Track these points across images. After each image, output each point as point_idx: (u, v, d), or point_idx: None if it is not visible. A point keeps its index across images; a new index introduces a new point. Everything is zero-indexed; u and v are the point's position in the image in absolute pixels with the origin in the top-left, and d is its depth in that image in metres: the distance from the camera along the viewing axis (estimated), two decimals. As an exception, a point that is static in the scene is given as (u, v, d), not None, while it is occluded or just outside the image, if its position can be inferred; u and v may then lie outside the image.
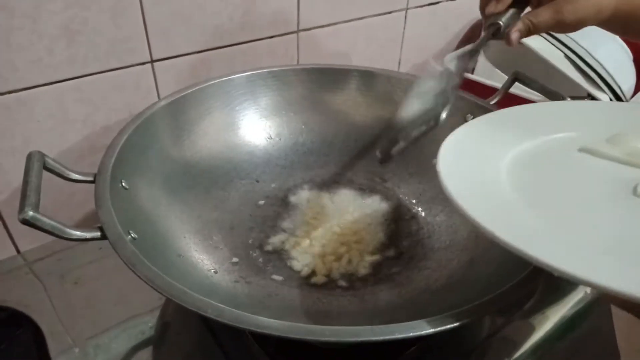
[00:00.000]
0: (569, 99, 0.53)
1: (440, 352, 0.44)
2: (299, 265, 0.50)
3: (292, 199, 0.57)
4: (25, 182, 0.36)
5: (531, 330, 0.46)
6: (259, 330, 0.29)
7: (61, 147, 0.55)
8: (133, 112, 0.49)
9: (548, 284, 0.49)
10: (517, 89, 0.60)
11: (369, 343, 0.28)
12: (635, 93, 0.80)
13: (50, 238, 0.55)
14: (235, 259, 0.49)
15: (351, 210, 0.55)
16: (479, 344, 0.44)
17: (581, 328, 0.48)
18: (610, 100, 0.76)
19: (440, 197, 0.56)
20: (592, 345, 0.48)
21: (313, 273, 0.49)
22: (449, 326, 0.31)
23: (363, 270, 0.50)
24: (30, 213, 0.33)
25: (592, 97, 0.74)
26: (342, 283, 0.48)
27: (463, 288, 0.44)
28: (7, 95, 0.49)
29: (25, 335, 0.46)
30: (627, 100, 0.77)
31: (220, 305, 0.30)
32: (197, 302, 0.30)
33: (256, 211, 0.56)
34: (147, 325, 0.48)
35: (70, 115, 0.54)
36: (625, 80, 0.78)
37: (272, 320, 0.29)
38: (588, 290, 0.49)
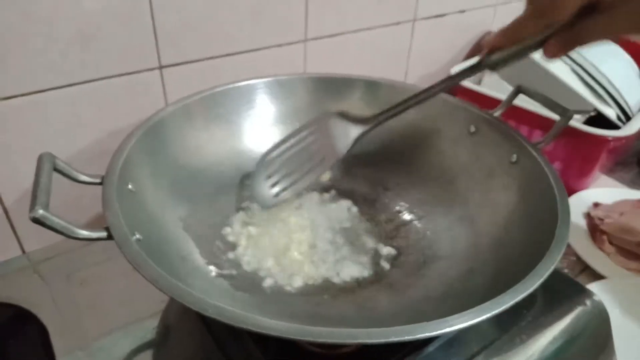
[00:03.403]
0: (571, 111, 0.53)
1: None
2: (299, 271, 0.50)
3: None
4: (36, 182, 0.36)
5: (529, 342, 0.46)
6: (258, 330, 0.29)
7: (71, 150, 0.56)
8: (141, 117, 0.50)
9: (547, 296, 0.49)
10: (522, 101, 0.60)
11: (365, 345, 0.29)
12: (641, 108, 0.80)
13: (56, 239, 0.57)
14: (236, 265, 0.50)
15: (352, 218, 0.56)
16: (475, 355, 0.44)
17: (580, 341, 0.48)
18: (617, 115, 0.76)
19: (441, 208, 0.56)
20: (591, 357, 0.48)
21: (311, 279, 0.49)
22: (446, 330, 0.31)
23: (363, 277, 0.50)
24: (41, 212, 0.33)
25: (599, 112, 0.74)
26: (342, 290, 0.49)
27: (462, 297, 0.44)
28: (20, 98, 0.50)
29: (31, 332, 0.47)
30: (633, 116, 0.76)
31: (220, 304, 0.30)
32: (199, 301, 0.31)
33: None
34: (150, 327, 0.48)
35: (81, 118, 0.55)
36: (632, 95, 0.78)
37: (271, 320, 0.30)
38: (588, 302, 0.49)
